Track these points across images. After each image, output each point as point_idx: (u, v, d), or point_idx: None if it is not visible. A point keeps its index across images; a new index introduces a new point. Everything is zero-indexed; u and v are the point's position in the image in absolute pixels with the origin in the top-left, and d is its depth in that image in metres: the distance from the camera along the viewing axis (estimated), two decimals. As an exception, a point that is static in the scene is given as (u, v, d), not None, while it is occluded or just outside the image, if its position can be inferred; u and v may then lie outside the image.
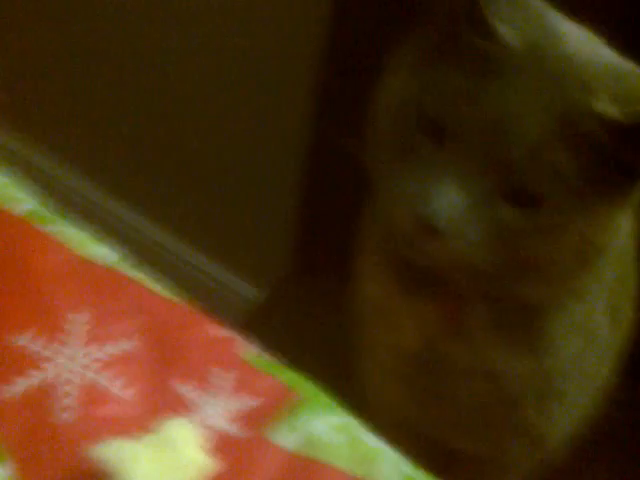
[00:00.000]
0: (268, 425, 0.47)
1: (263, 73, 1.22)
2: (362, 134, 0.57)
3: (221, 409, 0.47)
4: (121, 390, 0.47)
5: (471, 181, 0.49)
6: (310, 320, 1.00)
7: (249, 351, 0.50)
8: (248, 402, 0.48)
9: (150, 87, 1.37)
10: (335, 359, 0.92)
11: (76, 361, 0.48)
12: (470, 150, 0.49)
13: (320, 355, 0.93)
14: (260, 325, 1.00)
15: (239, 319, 1.04)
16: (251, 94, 1.25)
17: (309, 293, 1.03)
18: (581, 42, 0.52)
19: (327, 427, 0.46)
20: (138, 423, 0.45)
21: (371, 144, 0.57)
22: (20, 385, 0.47)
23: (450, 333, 0.61)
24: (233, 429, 0.47)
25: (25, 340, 0.48)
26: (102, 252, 0.54)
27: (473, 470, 0.84)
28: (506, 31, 0.49)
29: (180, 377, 0.48)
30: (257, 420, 0.47)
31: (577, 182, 0.49)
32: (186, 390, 0.48)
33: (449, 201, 0.48)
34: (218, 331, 0.51)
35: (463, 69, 0.50)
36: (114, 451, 0.42)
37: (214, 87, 1.29)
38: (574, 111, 0.48)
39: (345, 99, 0.94)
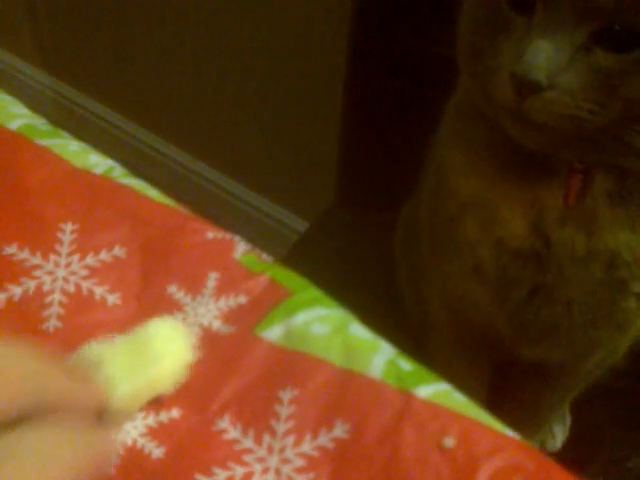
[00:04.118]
0: (255, 320, 0.46)
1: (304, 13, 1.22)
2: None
3: (209, 308, 0.46)
4: (107, 295, 0.47)
5: (566, 36, 0.49)
6: (350, 249, 1.00)
7: (243, 251, 0.49)
8: (236, 300, 0.46)
9: (199, 23, 1.38)
10: (373, 287, 0.92)
11: (62, 270, 0.48)
12: (560, 8, 0.49)
13: (359, 282, 0.93)
14: (302, 253, 1.00)
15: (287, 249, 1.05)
16: (292, 30, 1.25)
17: (350, 224, 1.03)
18: None
19: (313, 319, 0.45)
20: (125, 326, 0.45)
21: (462, 36, 0.58)
22: (6, 292, 0.47)
23: (567, 214, 0.58)
24: (220, 326, 0.46)
25: (13, 249, 0.48)
26: (97, 161, 0.53)
27: (536, 383, 0.82)
28: None
29: (169, 279, 0.47)
30: (244, 316, 0.46)
31: None
32: (174, 291, 0.47)
33: (545, 55, 0.49)
34: (211, 234, 0.50)
35: None
36: (86, 354, 0.42)
37: (259, 26, 1.30)
38: None
39: (382, 34, 0.92)
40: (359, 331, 0.45)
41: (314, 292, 0.47)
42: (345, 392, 0.42)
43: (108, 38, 1.53)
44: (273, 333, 0.45)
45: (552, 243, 0.60)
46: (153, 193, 0.52)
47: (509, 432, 0.40)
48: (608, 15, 0.48)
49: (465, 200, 0.63)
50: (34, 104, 0.62)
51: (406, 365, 0.43)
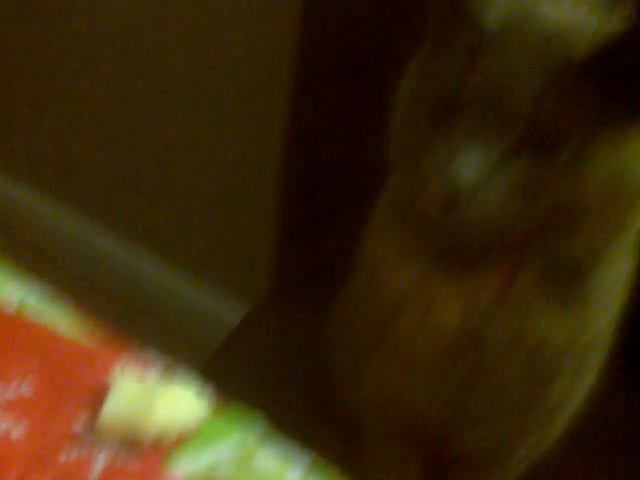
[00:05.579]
0: (162, 455, 0.46)
1: (237, 100, 1.25)
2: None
3: (115, 442, 0.47)
4: (10, 431, 0.47)
5: (488, 145, 0.52)
6: (283, 344, 1.01)
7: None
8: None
9: (129, 106, 1.39)
10: (306, 381, 0.92)
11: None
12: (482, 117, 0.52)
13: (291, 377, 0.93)
14: (234, 348, 1.00)
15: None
16: (226, 117, 1.27)
17: (283, 318, 1.03)
18: (558, 4, 0.55)
19: (218, 461, 0.46)
20: (28, 462, 0.45)
21: (394, 144, 0.60)
22: None
23: (496, 306, 0.60)
24: (126, 456, 0.46)
25: None
26: (10, 291, 0.54)
27: (471, 475, 0.83)
28: (486, 14, 0.53)
29: (74, 415, 0.48)
30: (151, 450, 0.47)
31: (584, 122, 0.51)
32: (79, 428, 0.48)
33: (469, 166, 0.51)
34: (119, 368, 0.51)
35: (461, 54, 0.54)
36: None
37: (192, 110, 1.31)
38: (562, 57, 0.51)
39: (319, 121, 0.94)
40: (266, 459, 0.46)
41: (223, 422, 0.48)
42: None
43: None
44: (181, 469, 0.46)
45: (482, 334, 0.61)
46: (65, 324, 0.53)
47: None
48: (526, 124, 0.51)
49: (399, 295, 0.64)
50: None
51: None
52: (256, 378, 0.92)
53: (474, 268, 0.60)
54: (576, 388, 0.67)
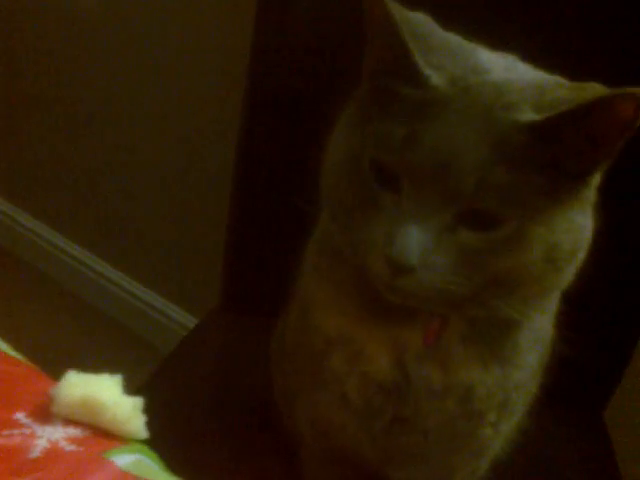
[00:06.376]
0: (105, 447, 0.48)
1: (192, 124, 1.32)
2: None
3: (57, 429, 0.48)
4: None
5: (433, 217, 0.52)
6: (233, 353, 1.01)
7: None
8: (84, 432, 0.49)
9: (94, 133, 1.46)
10: (254, 392, 0.92)
11: None
12: (425, 190, 0.52)
13: (239, 388, 0.93)
14: (184, 356, 1.00)
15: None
16: (184, 143, 1.35)
17: (233, 327, 1.04)
18: (503, 68, 0.56)
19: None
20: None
21: (324, 199, 0.60)
22: None
23: (425, 352, 0.61)
24: (67, 445, 0.47)
25: None
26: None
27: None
28: (432, 74, 0.53)
29: (15, 407, 0.49)
30: (94, 441, 0.48)
31: (527, 194, 0.51)
32: (21, 417, 0.49)
33: (416, 238, 0.52)
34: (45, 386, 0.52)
35: (402, 117, 0.53)
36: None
37: (152, 141, 1.40)
38: (505, 130, 0.51)
39: (269, 149, 0.96)
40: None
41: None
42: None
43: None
44: (123, 459, 0.47)
45: (411, 378, 0.62)
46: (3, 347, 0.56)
47: None
48: (469, 199, 0.51)
49: (331, 336, 0.65)
50: None
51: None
52: (202, 387, 0.93)
53: (405, 316, 0.61)
54: (503, 425, 0.69)
